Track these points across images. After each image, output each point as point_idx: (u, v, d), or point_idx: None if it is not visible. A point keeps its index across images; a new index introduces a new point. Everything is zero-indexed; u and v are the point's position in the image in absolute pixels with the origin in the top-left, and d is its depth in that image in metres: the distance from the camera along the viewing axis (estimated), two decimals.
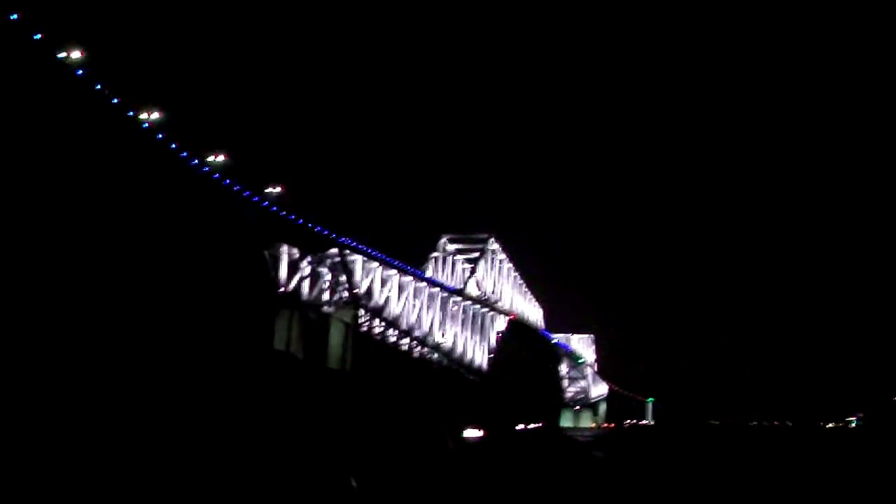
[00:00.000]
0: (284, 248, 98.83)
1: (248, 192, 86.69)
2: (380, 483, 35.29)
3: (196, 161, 77.60)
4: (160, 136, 70.51)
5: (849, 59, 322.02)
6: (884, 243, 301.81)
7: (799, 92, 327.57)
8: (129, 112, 66.71)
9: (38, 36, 58.56)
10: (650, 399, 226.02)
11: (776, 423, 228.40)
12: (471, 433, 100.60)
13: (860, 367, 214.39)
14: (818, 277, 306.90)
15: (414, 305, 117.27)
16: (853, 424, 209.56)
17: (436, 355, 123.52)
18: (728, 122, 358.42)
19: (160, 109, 71.14)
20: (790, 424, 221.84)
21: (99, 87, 63.07)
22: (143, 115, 69.57)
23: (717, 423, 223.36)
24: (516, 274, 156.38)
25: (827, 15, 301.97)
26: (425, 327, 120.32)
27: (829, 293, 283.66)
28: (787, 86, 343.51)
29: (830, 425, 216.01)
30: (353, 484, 30.93)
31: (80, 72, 61.43)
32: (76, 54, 61.97)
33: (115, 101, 64.79)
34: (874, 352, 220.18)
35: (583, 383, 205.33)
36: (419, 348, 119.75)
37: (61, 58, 61.09)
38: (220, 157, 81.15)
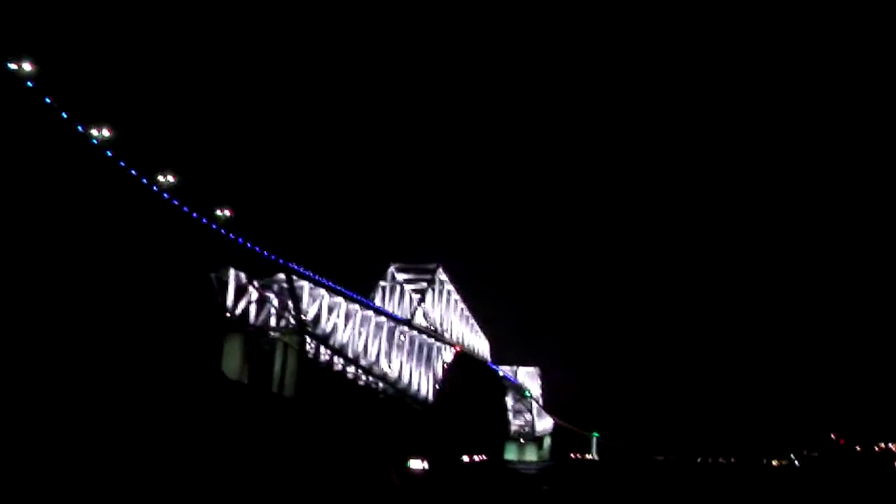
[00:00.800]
0: (232, 272, 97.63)
1: (197, 214, 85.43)
2: None
3: (146, 180, 76.34)
4: (109, 152, 69.16)
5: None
6: (829, 284, 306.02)
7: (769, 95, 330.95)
8: (78, 126, 65.42)
9: None
10: (595, 434, 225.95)
11: (721, 459, 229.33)
12: (416, 464, 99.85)
13: (801, 405, 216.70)
14: (760, 316, 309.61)
15: (361, 334, 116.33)
16: (796, 462, 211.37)
17: (382, 385, 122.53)
18: (683, 151, 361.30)
19: (111, 127, 69.95)
20: (733, 461, 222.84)
21: (49, 100, 61.83)
22: (94, 131, 68.26)
23: (661, 458, 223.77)
24: (464, 305, 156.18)
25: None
26: (371, 356, 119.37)
27: (771, 332, 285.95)
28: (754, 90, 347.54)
29: (774, 462, 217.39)
30: None
31: (31, 84, 60.22)
32: (27, 66, 60.77)
33: (65, 115, 63.48)
34: (815, 389, 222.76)
35: (528, 416, 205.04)
36: (365, 377, 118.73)
37: (12, 69, 59.84)
38: (171, 178, 79.97)
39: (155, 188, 77.85)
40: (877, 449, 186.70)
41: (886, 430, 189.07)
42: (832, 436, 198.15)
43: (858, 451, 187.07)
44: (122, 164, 71.66)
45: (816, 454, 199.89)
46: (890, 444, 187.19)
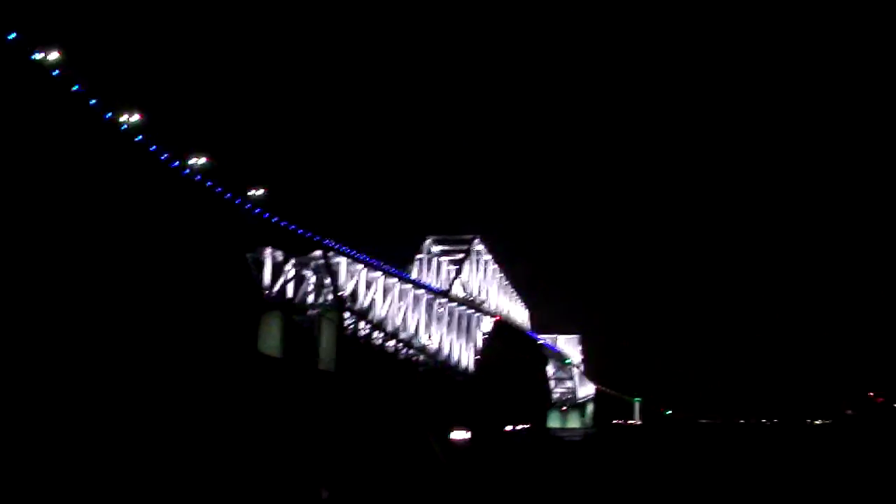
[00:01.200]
0: (268, 251, 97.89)
1: (230, 195, 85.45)
2: (362, 490, 34.49)
3: (177, 163, 76.29)
4: (139, 137, 69.16)
5: (849, 60, 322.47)
6: (859, 250, 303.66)
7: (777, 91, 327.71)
8: (107, 114, 65.41)
9: (14, 35, 57.27)
10: (637, 398, 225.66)
11: (764, 420, 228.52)
12: (458, 435, 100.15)
13: (839, 366, 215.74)
14: (798, 280, 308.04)
15: (399, 307, 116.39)
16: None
17: (422, 357, 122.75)
18: (712, 132, 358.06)
19: (140, 111, 69.82)
20: (777, 422, 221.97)
21: (77, 87, 61.77)
22: (123, 117, 68.18)
23: (705, 421, 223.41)
24: (502, 275, 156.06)
25: (827, 15, 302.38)
26: (411, 329, 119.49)
27: (808, 296, 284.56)
28: (771, 85, 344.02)
29: (818, 422, 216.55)
30: (324, 495, 30.19)
31: (57, 72, 60.14)
32: (54, 55, 60.65)
33: (93, 102, 63.45)
34: (853, 351, 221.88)
35: (570, 384, 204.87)
36: (405, 350, 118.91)
37: (38, 59, 59.77)
38: (202, 160, 79.86)
39: (187, 171, 77.80)
40: None
41: None
42: (870, 394, 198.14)
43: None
44: (153, 148, 71.61)
45: (854, 412, 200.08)
46: None
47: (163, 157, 73.60)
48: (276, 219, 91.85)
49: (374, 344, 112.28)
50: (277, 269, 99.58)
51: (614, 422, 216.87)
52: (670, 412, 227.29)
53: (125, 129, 67.85)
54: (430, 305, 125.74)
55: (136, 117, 69.20)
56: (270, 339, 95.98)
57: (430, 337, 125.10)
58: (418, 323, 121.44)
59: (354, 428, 64.73)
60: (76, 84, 61.71)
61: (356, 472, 39.08)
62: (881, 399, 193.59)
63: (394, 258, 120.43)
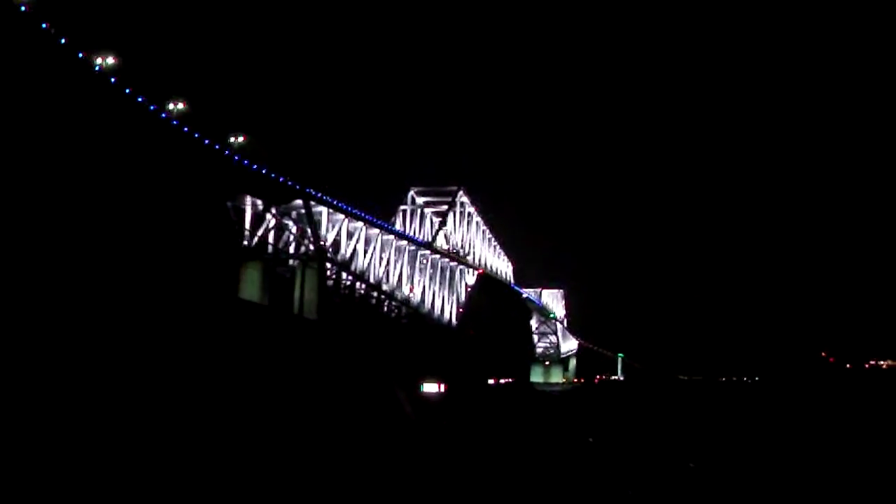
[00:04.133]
0: (248, 200, 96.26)
1: (209, 141, 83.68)
2: (329, 451, 33.44)
3: (154, 108, 74.41)
4: (113, 80, 67.22)
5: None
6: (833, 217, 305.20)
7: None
8: (78, 53, 63.47)
9: None
10: (620, 354, 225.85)
11: (745, 378, 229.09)
12: (435, 388, 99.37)
13: (791, 326, 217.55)
14: (774, 238, 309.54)
15: (382, 258, 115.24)
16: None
17: (405, 309, 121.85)
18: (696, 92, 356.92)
19: (115, 54, 67.93)
20: (757, 379, 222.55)
21: (45, 26, 59.76)
22: (97, 59, 66.28)
23: (685, 378, 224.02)
24: (486, 227, 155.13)
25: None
26: (393, 281, 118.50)
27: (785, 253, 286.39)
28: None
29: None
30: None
31: (24, 9, 58.14)
32: None
33: (63, 41, 61.49)
34: (806, 310, 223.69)
35: (553, 338, 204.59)
36: (388, 302, 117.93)
37: None
38: (181, 105, 78.12)
39: (164, 116, 75.98)
40: (867, 366, 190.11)
41: (876, 347, 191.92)
42: (822, 354, 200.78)
43: (848, 369, 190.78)
44: (128, 91, 69.65)
45: (806, 372, 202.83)
46: (881, 362, 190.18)
47: (139, 101, 71.67)
48: (256, 166, 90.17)
49: (356, 295, 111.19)
50: (258, 218, 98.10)
51: (596, 377, 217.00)
52: (650, 368, 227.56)
53: (98, 70, 65.96)
54: (413, 257, 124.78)
55: (110, 60, 67.39)
56: (251, 289, 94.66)
57: (412, 289, 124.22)
58: (401, 274, 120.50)
59: (328, 387, 63.75)
60: (44, 22, 59.69)
61: (331, 434, 38.01)
62: (833, 359, 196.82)
63: (377, 209, 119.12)
